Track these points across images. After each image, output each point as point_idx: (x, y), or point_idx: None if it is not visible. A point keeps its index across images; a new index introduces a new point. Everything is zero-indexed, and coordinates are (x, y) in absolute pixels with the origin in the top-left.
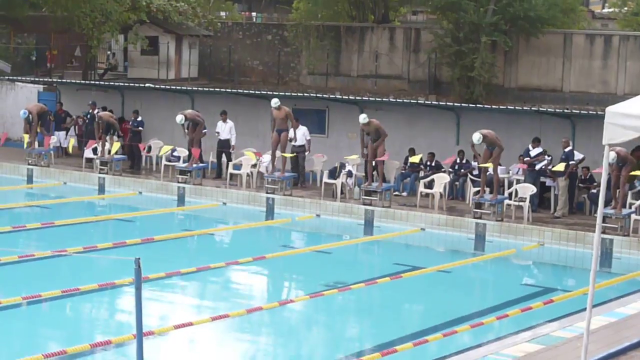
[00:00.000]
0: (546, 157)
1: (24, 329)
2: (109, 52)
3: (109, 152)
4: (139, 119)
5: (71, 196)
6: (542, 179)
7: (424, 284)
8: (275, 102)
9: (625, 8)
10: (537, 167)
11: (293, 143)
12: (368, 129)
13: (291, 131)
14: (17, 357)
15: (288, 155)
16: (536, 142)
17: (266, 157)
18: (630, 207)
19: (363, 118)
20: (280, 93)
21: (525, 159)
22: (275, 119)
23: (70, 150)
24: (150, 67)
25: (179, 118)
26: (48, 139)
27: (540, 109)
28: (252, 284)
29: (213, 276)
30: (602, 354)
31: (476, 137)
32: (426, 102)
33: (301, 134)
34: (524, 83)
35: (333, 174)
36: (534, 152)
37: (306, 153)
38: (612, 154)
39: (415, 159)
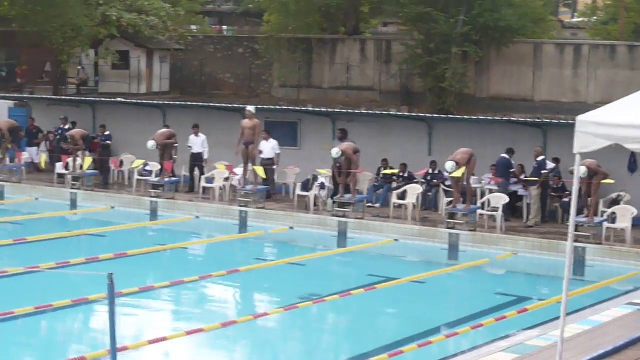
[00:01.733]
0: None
1: None
2: (79, 67)
3: (81, 167)
4: (107, 132)
5: (43, 212)
6: (514, 188)
7: (398, 294)
8: (251, 108)
9: (595, 17)
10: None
11: (261, 156)
12: (342, 159)
13: (262, 144)
14: None
15: (258, 169)
16: (511, 152)
17: (239, 171)
18: (602, 215)
19: (336, 153)
20: (252, 106)
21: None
22: (243, 129)
23: (43, 165)
24: (121, 81)
25: (150, 144)
26: (20, 155)
27: (512, 118)
28: (227, 297)
29: (187, 290)
30: None
31: (449, 165)
32: (398, 113)
33: (270, 148)
34: (496, 93)
35: (306, 186)
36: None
37: (274, 167)
38: (583, 169)
39: (389, 171)
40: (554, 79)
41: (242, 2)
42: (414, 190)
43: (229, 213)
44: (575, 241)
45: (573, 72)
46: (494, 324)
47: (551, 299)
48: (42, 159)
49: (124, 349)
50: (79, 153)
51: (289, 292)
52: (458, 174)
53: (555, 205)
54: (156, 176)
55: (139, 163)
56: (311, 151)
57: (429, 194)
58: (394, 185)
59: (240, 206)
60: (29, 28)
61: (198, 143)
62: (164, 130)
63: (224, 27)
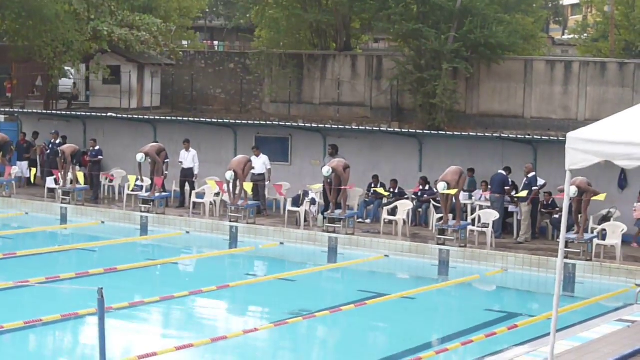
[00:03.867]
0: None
1: None
2: (71, 82)
3: (71, 182)
4: (97, 147)
5: (33, 226)
6: (505, 204)
7: (389, 310)
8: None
9: (585, 34)
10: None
11: (252, 172)
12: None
13: (253, 159)
14: None
15: (246, 185)
16: (508, 170)
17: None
18: (592, 232)
19: (326, 171)
20: (243, 121)
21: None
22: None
23: (33, 180)
24: (112, 96)
25: (139, 156)
26: (9, 169)
27: (502, 135)
28: (217, 312)
29: (177, 305)
30: None
31: (441, 186)
32: (388, 129)
33: (261, 163)
34: (486, 109)
35: (297, 201)
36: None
37: (267, 182)
38: (573, 189)
39: (380, 190)
40: (544, 96)
41: (234, 18)
42: (405, 206)
43: (220, 228)
44: (565, 258)
45: (563, 88)
46: (484, 340)
47: (541, 315)
48: (33, 173)
49: None
50: (70, 168)
51: (279, 308)
52: (451, 192)
53: (545, 221)
54: (146, 191)
55: (133, 180)
56: (302, 167)
57: (420, 210)
58: (385, 201)
59: (231, 221)
60: (20, 42)
61: (189, 158)
62: (154, 144)
63: (215, 43)
